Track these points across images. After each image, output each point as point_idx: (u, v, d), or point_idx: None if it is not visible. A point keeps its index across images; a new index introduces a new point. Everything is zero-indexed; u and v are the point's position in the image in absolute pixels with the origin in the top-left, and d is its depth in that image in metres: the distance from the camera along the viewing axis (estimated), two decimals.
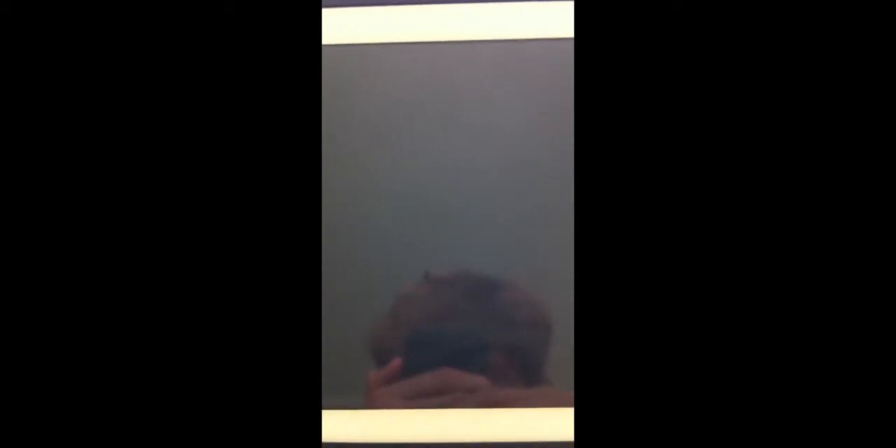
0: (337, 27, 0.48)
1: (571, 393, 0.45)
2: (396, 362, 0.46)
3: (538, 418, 0.46)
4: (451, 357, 0.45)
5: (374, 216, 0.47)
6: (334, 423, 0.46)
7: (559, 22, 0.47)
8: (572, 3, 0.46)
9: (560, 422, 0.45)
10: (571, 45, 0.46)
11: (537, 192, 0.47)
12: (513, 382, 0.46)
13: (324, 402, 0.44)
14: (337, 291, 0.46)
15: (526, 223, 0.46)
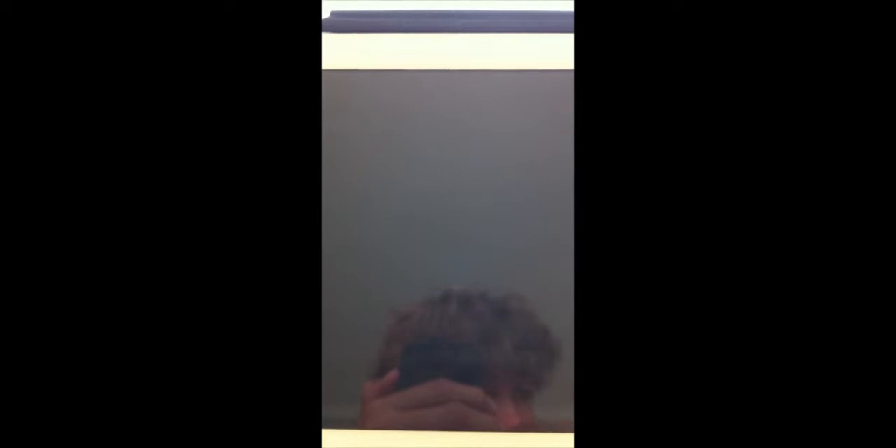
0: (339, 52, 0.48)
1: (566, 416, 0.44)
2: (392, 374, 0.46)
3: (537, 443, 0.46)
4: (447, 371, 0.46)
5: (375, 235, 0.47)
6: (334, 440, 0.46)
7: (560, 54, 0.47)
8: (572, 36, 0.46)
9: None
10: (571, 76, 0.46)
11: (538, 213, 0.47)
12: (508, 401, 0.46)
13: (324, 414, 0.45)
14: (337, 306, 0.46)
15: (527, 246, 0.47)
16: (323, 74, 0.45)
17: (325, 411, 0.44)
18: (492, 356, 0.46)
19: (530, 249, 0.47)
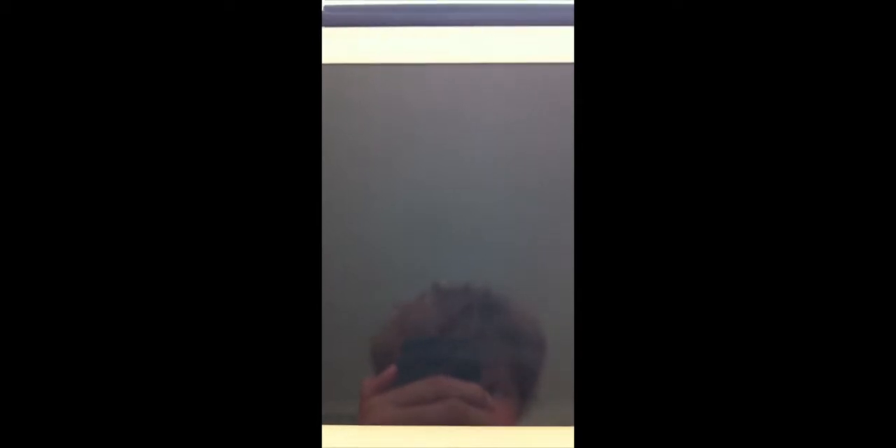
0: (337, 47, 0.48)
1: (565, 412, 0.45)
2: (391, 370, 0.46)
3: (537, 437, 0.46)
4: (446, 367, 0.46)
5: (375, 231, 0.47)
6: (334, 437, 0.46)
7: (560, 47, 0.47)
8: (572, 29, 0.46)
9: (558, 441, 0.46)
10: (571, 70, 0.46)
11: (538, 209, 0.47)
12: (506, 396, 0.46)
13: (323, 410, 0.45)
14: (336, 303, 0.46)
15: (526, 240, 0.47)
16: (323, 68, 0.46)
17: (324, 408, 0.44)
18: (489, 352, 0.46)
19: (529, 244, 0.47)
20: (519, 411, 0.46)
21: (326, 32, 0.48)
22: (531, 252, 0.47)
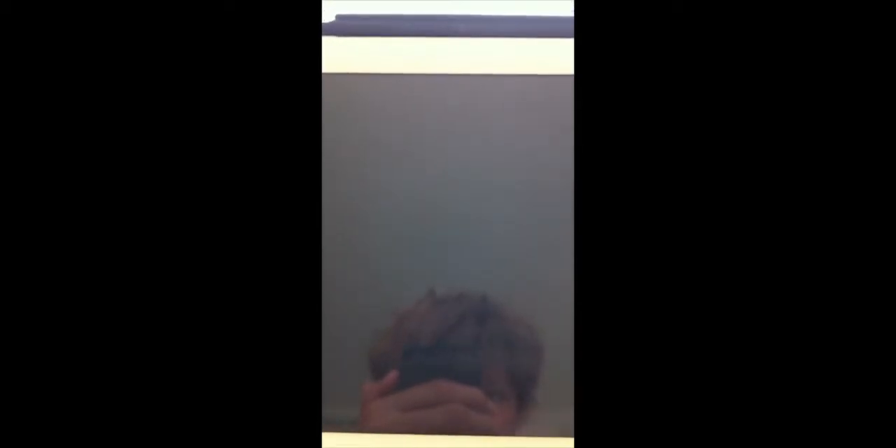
0: (342, 56, 0.48)
1: (564, 416, 0.44)
2: (392, 375, 0.46)
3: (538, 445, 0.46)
4: (445, 373, 0.46)
5: (375, 238, 0.47)
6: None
7: (560, 58, 0.47)
8: (572, 41, 0.47)
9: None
10: (571, 81, 0.46)
11: (536, 216, 0.47)
12: (506, 401, 0.46)
13: (323, 413, 0.45)
14: (337, 307, 0.46)
15: (524, 247, 0.47)
16: (327, 77, 0.46)
17: (325, 412, 0.44)
18: (488, 358, 0.46)
19: (529, 253, 0.47)
20: (518, 416, 0.47)
21: (332, 42, 0.48)
22: (530, 260, 0.47)
